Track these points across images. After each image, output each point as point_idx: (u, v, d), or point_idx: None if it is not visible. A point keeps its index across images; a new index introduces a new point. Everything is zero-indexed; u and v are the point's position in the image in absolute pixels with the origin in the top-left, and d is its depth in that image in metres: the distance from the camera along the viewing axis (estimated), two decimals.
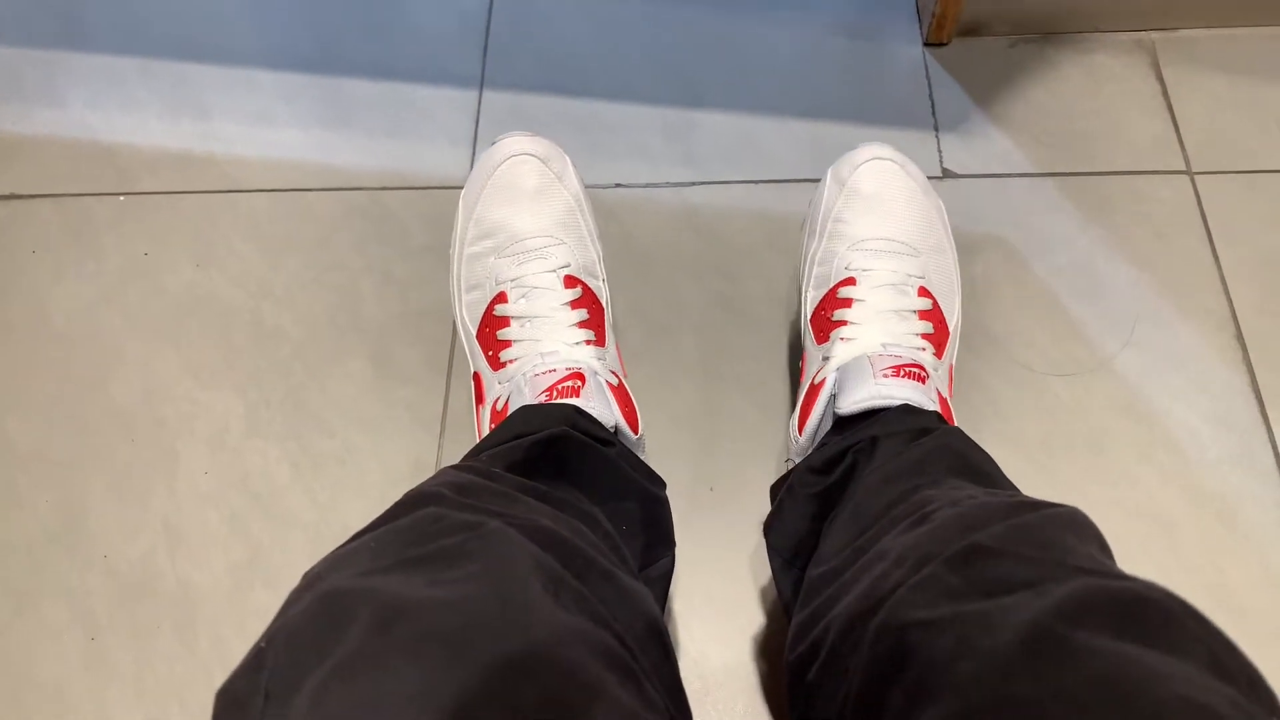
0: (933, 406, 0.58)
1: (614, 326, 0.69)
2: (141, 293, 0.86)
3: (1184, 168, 0.86)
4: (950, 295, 0.67)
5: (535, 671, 0.34)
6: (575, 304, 0.64)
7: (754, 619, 0.70)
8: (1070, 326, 0.79)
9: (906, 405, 0.57)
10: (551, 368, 0.61)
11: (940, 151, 0.88)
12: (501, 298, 0.65)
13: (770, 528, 0.60)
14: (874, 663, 0.40)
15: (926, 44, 0.94)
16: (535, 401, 0.59)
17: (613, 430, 0.60)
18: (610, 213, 0.87)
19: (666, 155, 0.90)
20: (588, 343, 0.63)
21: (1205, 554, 0.70)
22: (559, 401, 0.59)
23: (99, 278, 0.86)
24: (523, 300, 0.64)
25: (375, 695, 0.32)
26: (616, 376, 0.64)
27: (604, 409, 0.59)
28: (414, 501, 0.44)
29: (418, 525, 0.42)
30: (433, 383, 0.80)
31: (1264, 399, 0.76)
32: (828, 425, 0.61)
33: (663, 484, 0.62)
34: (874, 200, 0.66)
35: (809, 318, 0.66)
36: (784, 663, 0.51)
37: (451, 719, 0.31)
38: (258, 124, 0.94)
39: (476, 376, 0.67)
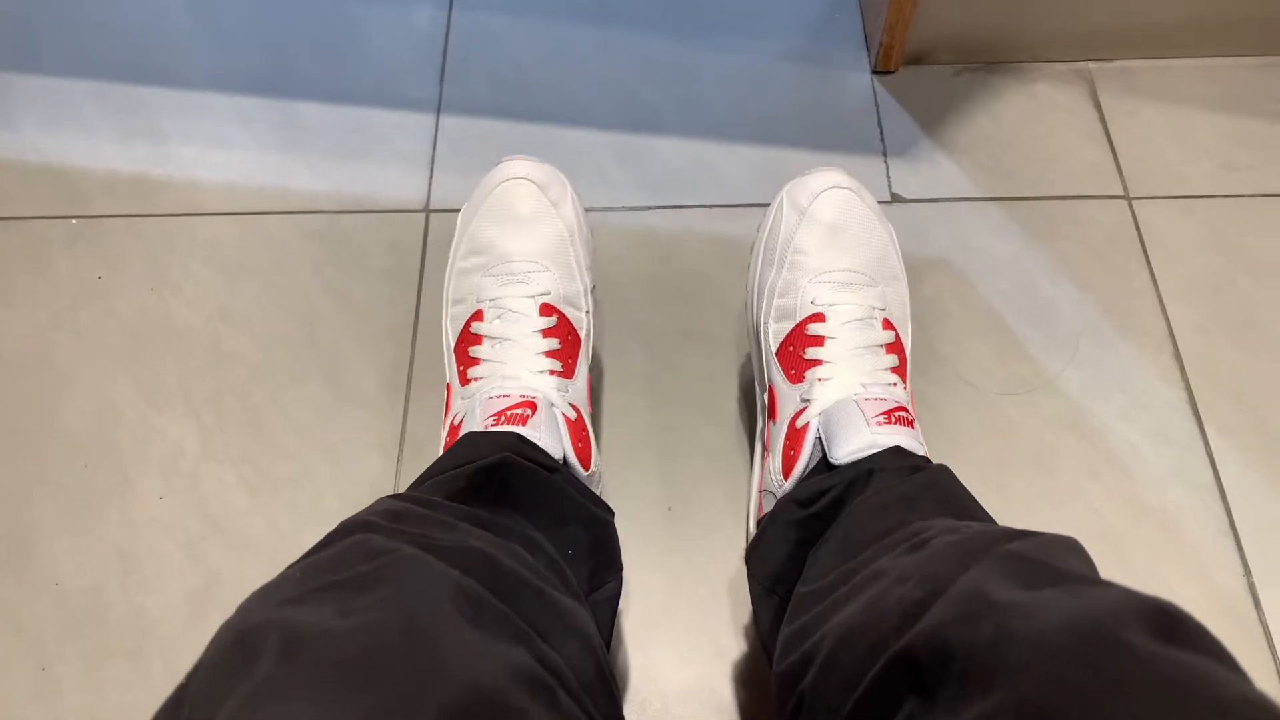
0: (923, 451, 0.59)
1: (590, 360, 0.69)
2: (95, 317, 0.84)
3: (1122, 193, 0.88)
4: (904, 322, 0.68)
5: (439, 694, 0.33)
6: (548, 333, 0.64)
7: (714, 639, 0.70)
8: (1016, 346, 0.81)
9: (898, 447, 0.57)
10: (506, 393, 0.61)
11: (889, 177, 0.89)
12: (479, 315, 0.65)
13: (751, 554, 0.60)
14: (892, 667, 0.39)
15: (875, 72, 0.95)
16: (483, 425, 0.59)
17: (560, 461, 0.60)
18: None
19: (623, 180, 0.91)
20: (552, 373, 0.63)
21: (1151, 567, 0.72)
22: (502, 429, 0.58)
23: (52, 302, 0.85)
24: (497, 321, 0.64)
25: None
26: (576, 410, 0.63)
27: (552, 440, 0.59)
28: (345, 530, 0.44)
29: (343, 553, 0.41)
30: (391, 406, 0.79)
31: (1201, 415, 0.78)
32: (811, 465, 0.61)
33: (609, 510, 0.62)
34: (834, 230, 0.65)
35: (774, 352, 0.66)
36: (773, 673, 0.50)
37: None
38: (214, 147, 0.93)
39: (448, 388, 0.67)
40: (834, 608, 0.46)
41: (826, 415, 0.60)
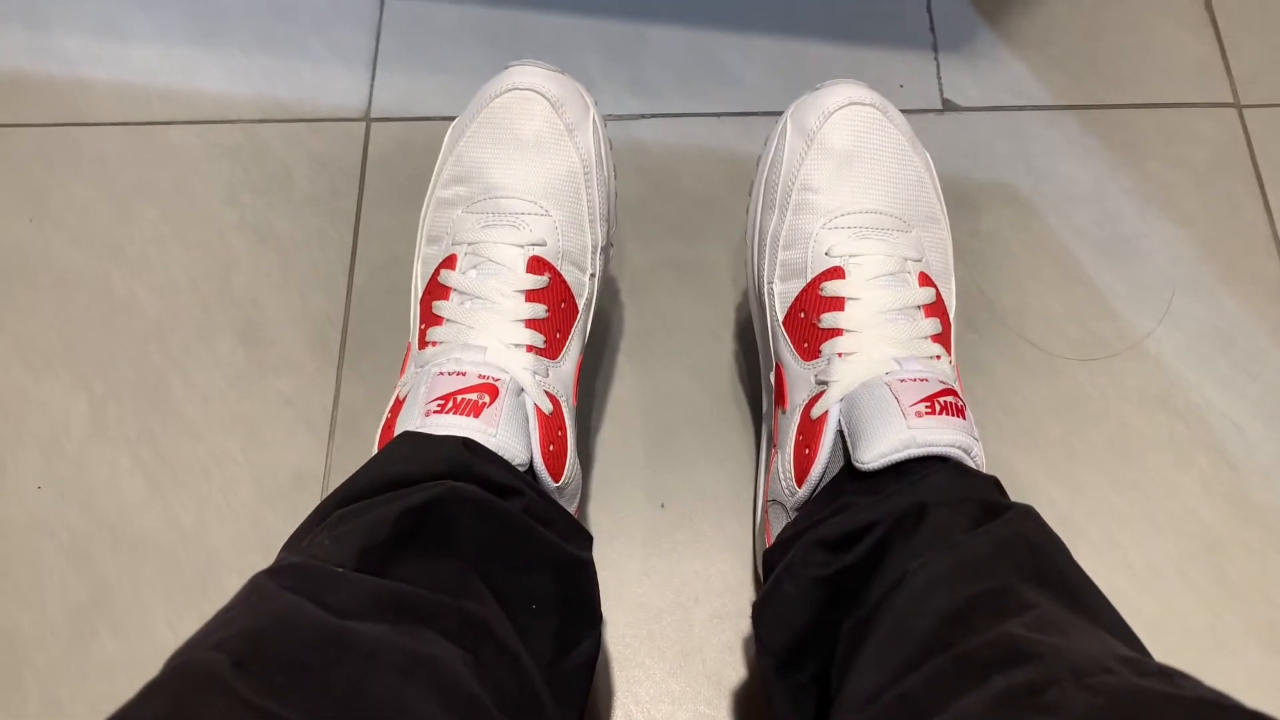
0: (980, 455, 0.44)
1: (588, 332, 0.54)
2: None
3: (1231, 99, 0.70)
4: (947, 277, 0.52)
5: None
6: (533, 295, 0.49)
7: (710, 664, 0.56)
8: (1094, 298, 0.65)
9: (957, 464, 0.43)
10: (460, 369, 0.46)
11: (940, 78, 0.72)
12: (450, 261, 0.50)
13: (761, 616, 0.45)
14: None
15: None
16: (423, 412, 0.44)
17: (525, 468, 0.45)
18: None
19: (608, 80, 0.73)
20: (530, 348, 0.48)
21: (1256, 581, 0.58)
22: (447, 423, 0.43)
23: None
24: (472, 272, 0.50)
25: None
26: (554, 401, 0.48)
27: (513, 440, 0.44)
28: (172, 686, 0.29)
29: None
30: (320, 371, 0.64)
31: None
32: (834, 469, 0.47)
33: (587, 539, 0.47)
34: (852, 160, 0.50)
35: (781, 320, 0.51)
36: None
37: None
38: (106, 38, 0.75)
39: (408, 348, 0.52)
40: None
41: (850, 402, 0.45)
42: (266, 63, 0.74)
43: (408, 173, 0.69)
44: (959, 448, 0.43)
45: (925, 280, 0.50)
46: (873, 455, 0.43)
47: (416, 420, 0.44)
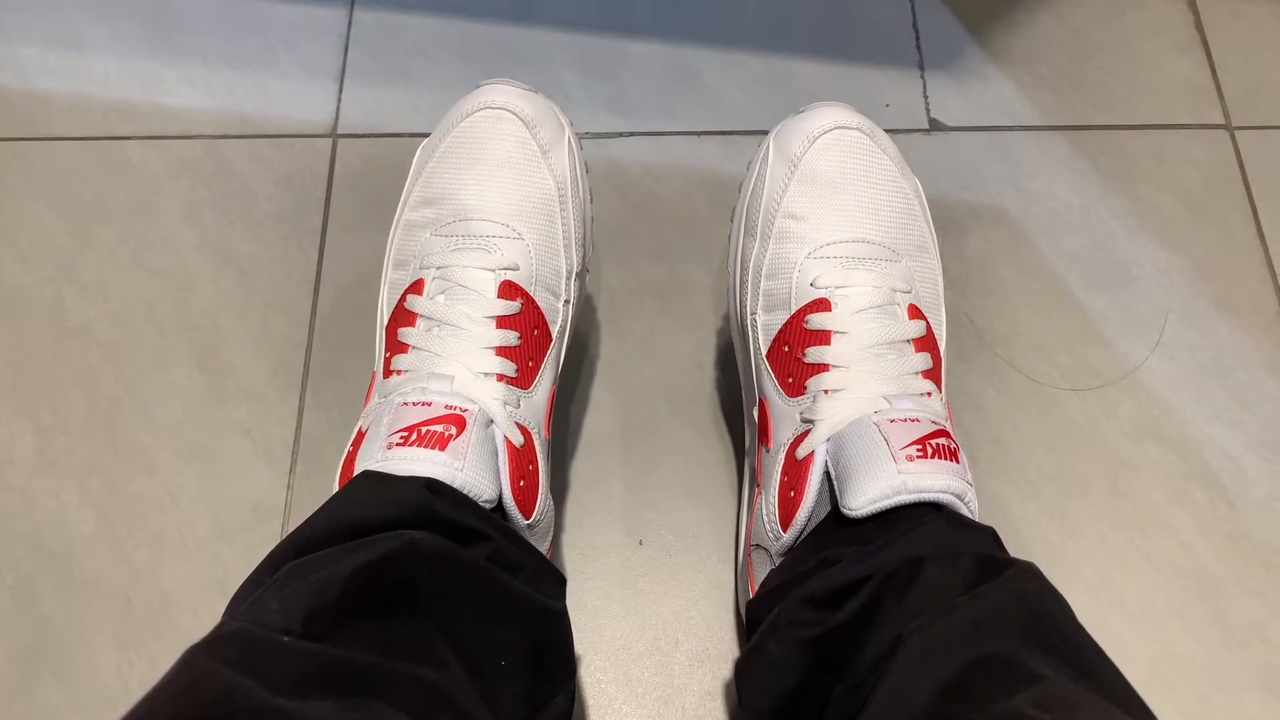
0: (973, 500, 0.42)
1: (561, 360, 0.51)
2: None
3: (1222, 121, 0.68)
4: (937, 308, 0.50)
5: None
6: (505, 322, 0.47)
7: (692, 710, 0.53)
8: (1086, 326, 0.62)
9: (951, 513, 0.40)
10: (426, 399, 0.43)
11: (926, 97, 0.69)
12: (418, 287, 0.48)
13: (744, 677, 0.42)
14: None
15: None
16: (385, 445, 0.41)
17: (494, 505, 0.42)
18: None
19: (586, 97, 0.70)
20: (500, 378, 0.45)
21: (1256, 623, 0.55)
22: (403, 470, 0.40)
23: None
24: (441, 297, 0.47)
25: None
26: (525, 434, 0.45)
27: (481, 475, 0.42)
28: None
29: None
30: (282, 400, 0.61)
31: None
32: (820, 513, 0.44)
33: (560, 583, 0.45)
34: (838, 186, 0.48)
35: (764, 353, 0.48)
36: None
37: None
38: (62, 48, 0.71)
39: (373, 378, 0.49)
40: None
41: (837, 443, 0.43)
42: (230, 76, 0.71)
43: (375, 191, 0.66)
44: (952, 494, 0.41)
45: (915, 313, 0.47)
46: (861, 502, 0.40)
47: (378, 454, 0.41)
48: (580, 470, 0.59)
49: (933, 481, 0.40)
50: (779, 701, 0.40)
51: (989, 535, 0.41)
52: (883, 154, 0.49)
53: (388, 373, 0.47)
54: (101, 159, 0.68)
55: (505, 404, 0.45)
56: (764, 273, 0.49)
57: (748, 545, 0.50)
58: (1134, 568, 0.56)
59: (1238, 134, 0.68)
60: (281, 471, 0.59)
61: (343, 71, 0.71)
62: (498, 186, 0.49)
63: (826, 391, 0.45)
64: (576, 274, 0.51)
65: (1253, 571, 0.56)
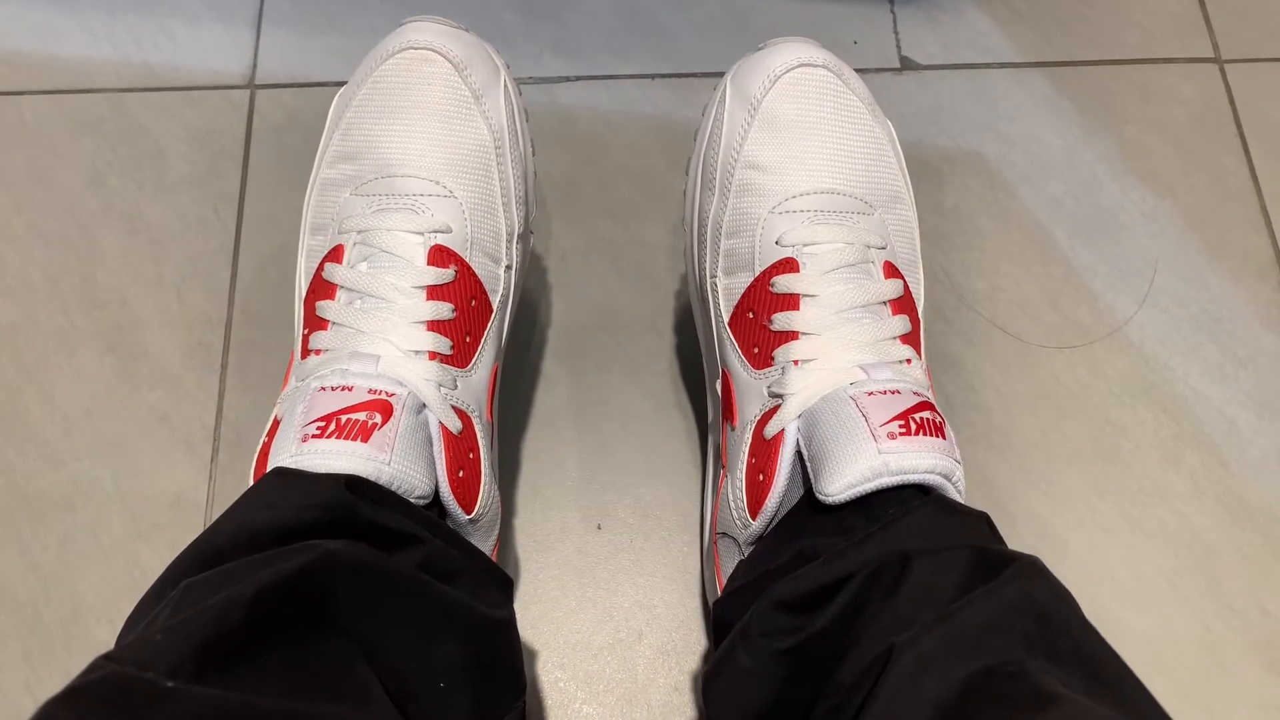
0: (960, 479, 0.37)
1: (504, 335, 0.45)
2: None
3: (1211, 54, 0.63)
4: (914, 265, 0.45)
5: None
6: (436, 292, 0.41)
7: (658, 702, 0.49)
8: (1071, 279, 0.57)
9: (940, 497, 0.36)
10: (347, 383, 0.37)
11: (897, 33, 0.63)
12: (337, 254, 0.42)
13: (712, 692, 0.37)
14: None
15: None
16: (299, 436, 0.36)
17: (428, 501, 0.37)
18: None
19: (527, 39, 0.63)
20: (433, 355, 0.40)
21: (1253, 592, 0.51)
22: (320, 466, 0.35)
23: None
24: (363, 265, 0.41)
25: None
26: (464, 418, 0.40)
27: (412, 468, 0.36)
28: None
29: None
30: (200, 383, 0.54)
31: None
32: (793, 497, 0.39)
33: (507, 586, 0.39)
34: (802, 131, 0.43)
35: (726, 321, 0.42)
36: None
37: None
38: None
39: (291, 358, 0.43)
40: None
41: (810, 419, 0.38)
42: (134, 22, 0.63)
43: (299, 148, 0.59)
44: (940, 474, 0.36)
45: (891, 270, 0.42)
46: (839, 486, 0.35)
47: (292, 448, 0.36)
48: (530, 450, 0.53)
49: (918, 461, 0.35)
50: (747, 717, 0.35)
51: (983, 522, 0.36)
52: (852, 94, 0.44)
53: (305, 352, 0.41)
54: None
55: (440, 385, 0.39)
56: (724, 230, 0.43)
57: (713, 533, 0.45)
58: (1125, 537, 0.52)
59: (1228, 67, 0.62)
60: (203, 461, 0.53)
61: (259, 15, 0.63)
62: (425, 137, 0.43)
63: (796, 362, 0.40)
64: (519, 236, 0.45)
65: (1249, 538, 0.52)
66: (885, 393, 0.37)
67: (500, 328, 0.44)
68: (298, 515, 0.33)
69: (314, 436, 0.36)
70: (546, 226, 0.58)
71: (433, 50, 0.43)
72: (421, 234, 0.41)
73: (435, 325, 0.40)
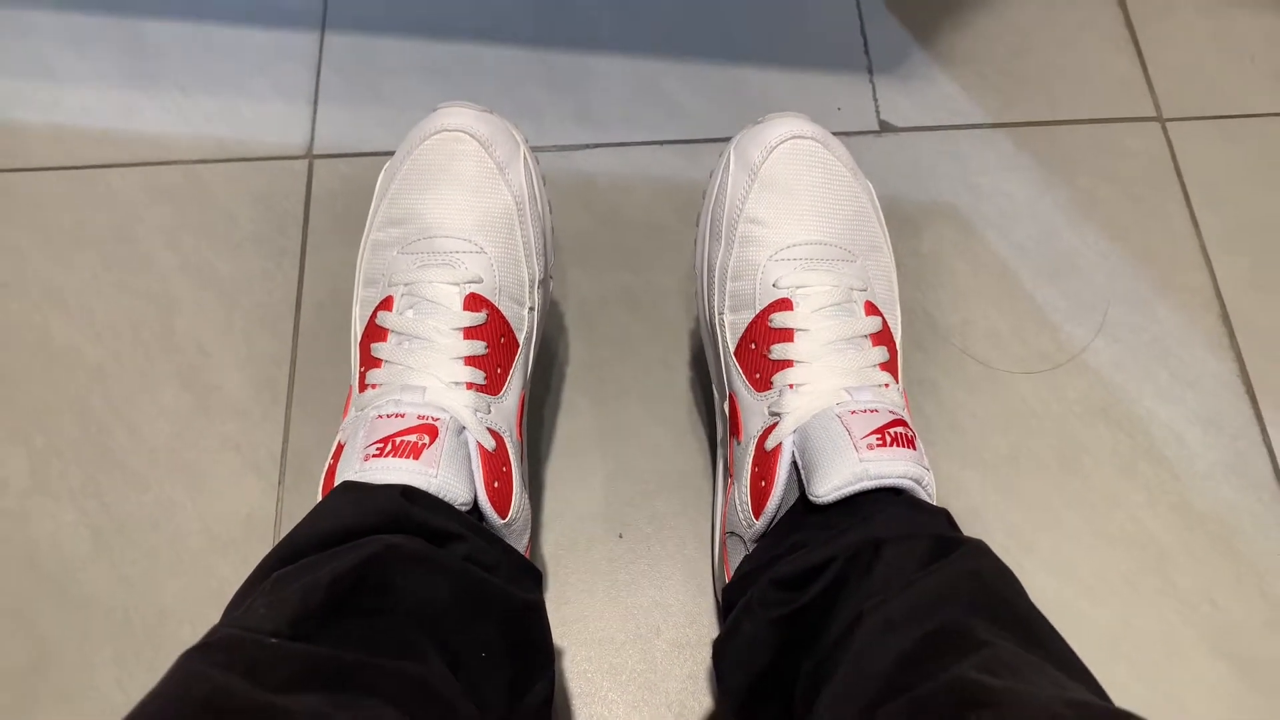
0: (930, 483, 0.43)
1: (530, 365, 0.52)
2: None
3: (1154, 114, 0.70)
4: (892, 304, 0.51)
5: None
6: (472, 333, 0.47)
7: (673, 696, 0.54)
8: (1034, 313, 0.64)
9: (910, 497, 0.42)
10: (400, 411, 0.44)
11: (876, 100, 0.70)
12: (387, 303, 0.48)
13: (722, 656, 0.44)
14: None
15: None
16: (362, 457, 0.42)
17: (469, 508, 0.43)
18: None
19: (553, 111, 0.71)
20: (470, 386, 0.46)
21: (1202, 587, 0.57)
22: (380, 479, 0.41)
23: None
24: (410, 312, 0.48)
25: None
26: (497, 438, 0.46)
27: (455, 480, 0.42)
28: None
29: None
30: (267, 415, 0.61)
31: (1256, 392, 0.62)
32: (790, 500, 0.45)
33: (537, 578, 0.46)
34: (795, 193, 0.49)
35: (733, 351, 0.49)
36: None
37: None
38: (38, 80, 0.71)
39: (349, 392, 0.50)
40: None
41: (803, 434, 0.44)
42: (205, 102, 0.71)
43: (353, 209, 0.66)
44: (910, 479, 0.42)
45: (871, 309, 0.49)
46: (826, 489, 0.41)
47: (355, 466, 0.42)
48: (559, 470, 0.60)
49: (892, 468, 0.42)
50: (754, 678, 0.41)
51: (943, 517, 0.42)
52: (836, 161, 0.50)
53: (363, 386, 0.48)
54: (81, 187, 0.68)
55: (476, 411, 0.46)
56: (729, 274, 0.50)
57: (723, 534, 0.51)
58: (1087, 541, 0.58)
59: (1169, 125, 0.69)
60: (270, 483, 0.59)
61: (316, 93, 0.71)
62: (458, 204, 0.49)
63: (791, 386, 0.46)
64: (540, 282, 0.52)
65: (1198, 540, 0.58)
66: (866, 411, 0.44)
67: (526, 360, 0.51)
68: (362, 519, 0.39)
69: (374, 456, 0.42)
70: (569, 276, 0.65)
71: (463, 131, 0.50)
72: (458, 285, 0.48)
73: (471, 360, 0.47)
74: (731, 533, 0.49)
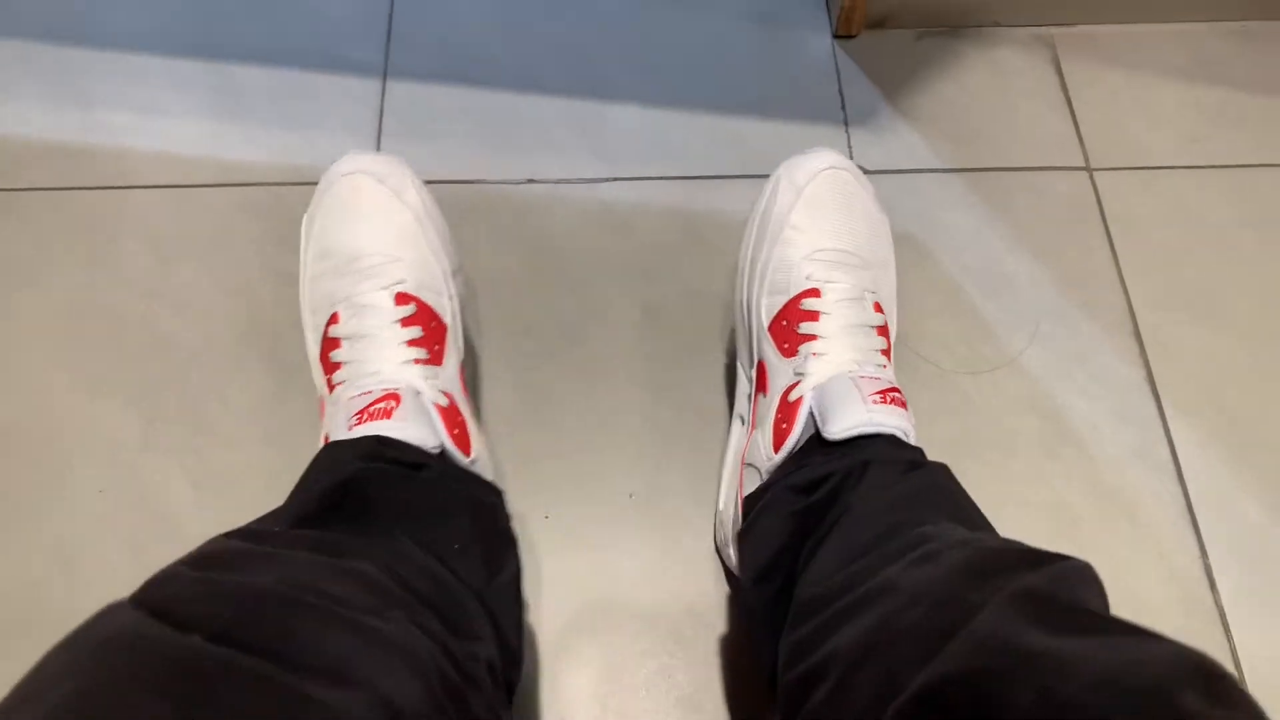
0: (913, 435, 0.55)
1: (462, 340, 0.63)
2: (26, 297, 0.76)
3: (1083, 164, 0.83)
4: (892, 308, 0.64)
5: None
6: (407, 321, 0.58)
7: (677, 627, 0.66)
8: (978, 323, 0.76)
9: (894, 437, 0.54)
10: (366, 389, 0.56)
11: (850, 147, 0.83)
12: (334, 319, 0.59)
13: (744, 542, 0.56)
14: (921, 703, 0.35)
15: (836, 36, 0.89)
16: (347, 429, 0.54)
17: (437, 451, 0.55)
18: (524, 208, 0.80)
19: (577, 149, 0.84)
20: (417, 361, 0.58)
21: (1110, 549, 0.68)
22: (360, 435, 0.53)
23: None
24: (353, 319, 0.58)
25: None
26: (448, 396, 0.58)
27: (422, 431, 0.54)
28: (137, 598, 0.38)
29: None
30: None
31: (1160, 394, 0.74)
32: (801, 440, 0.57)
33: (496, 490, 0.58)
34: (831, 210, 0.62)
35: (766, 326, 0.61)
36: (780, 682, 0.47)
37: None
38: (146, 114, 0.84)
39: (321, 403, 0.61)
40: (840, 618, 0.43)
41: (821, 390, 0.56)
42: (284, 135, 0.84)
43: None
44: (900, 430, 0.55)
45: (878, 308, 0.61)
46: (839, 429, 0.53)
47: (342, 434, 0.54)
48: (578, 443, 0.72)
49: (889, 419, 0.54)
50: (769, 556, 0.53)
51: (918, 451, 0.55)
52: (864, 191, 0.63)
53: (330, 388, 0.58)
54: (183, 203, 0.80)
55: (426, 379, 0.57)
56: (770, 267, 0.62)
57: (742, 464, 0.63)
58: (1017, 510, 0.69)
59: (1095, 174, 0.82)
60: None
61: (378, 129, 0.84)
62: (371, 228, 0.60)
63: (815, 354, 0.58)
64: (451, 273, 0.63)
65: (1107, 509, 0.70)
66: (871, 378, 0.56)
67: (456, 336, 0.62)
68: (348, 460, 0.51)
69: (355, 425, 0.53)
70: (593, 283, 0.77)
71: (359, 172, 0.61)
72: (386, 288, 0.58)
73: (413, 342, 0.58)
74: (750, 464, 0.61)
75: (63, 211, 0.80)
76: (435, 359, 0.59)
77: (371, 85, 0.86)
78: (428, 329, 0.59)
